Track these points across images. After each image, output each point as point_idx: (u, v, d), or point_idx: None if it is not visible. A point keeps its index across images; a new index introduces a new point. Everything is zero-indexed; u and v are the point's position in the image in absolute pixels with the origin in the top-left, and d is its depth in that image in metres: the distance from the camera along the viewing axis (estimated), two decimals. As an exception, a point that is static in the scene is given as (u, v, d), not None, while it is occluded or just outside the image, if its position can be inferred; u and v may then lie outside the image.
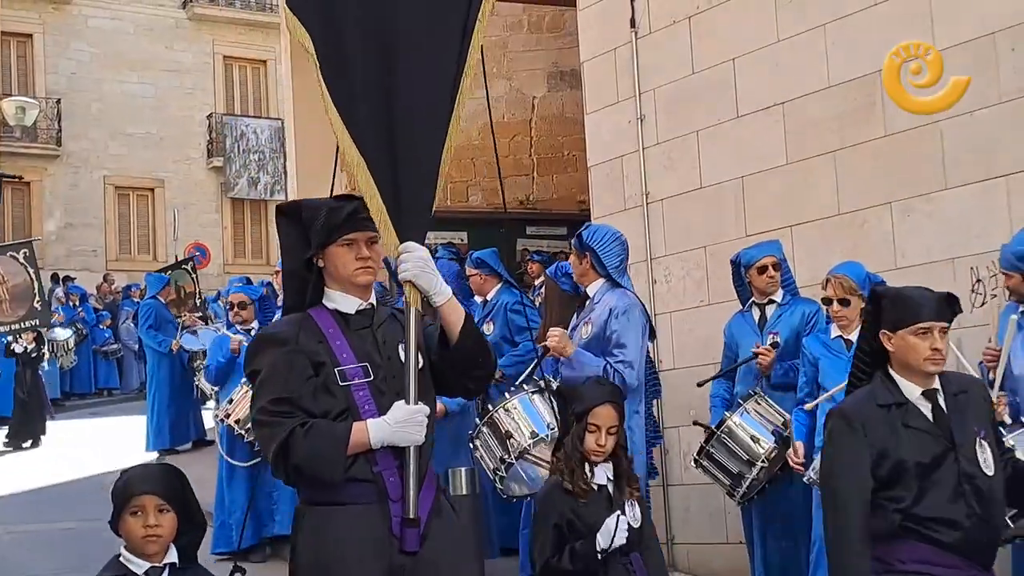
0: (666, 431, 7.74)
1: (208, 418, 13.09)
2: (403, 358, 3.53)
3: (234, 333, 9.01)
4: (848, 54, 6.84)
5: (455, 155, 12.59)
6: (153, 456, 13.11)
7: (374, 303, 3.66)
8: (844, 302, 5.70)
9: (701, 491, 7.46)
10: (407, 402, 3.47)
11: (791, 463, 5.75)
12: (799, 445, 5.71)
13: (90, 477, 12.69)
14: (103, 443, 14.83)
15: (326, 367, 3.47)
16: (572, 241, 6.29)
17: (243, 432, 8.46)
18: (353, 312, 3.61)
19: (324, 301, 3.62)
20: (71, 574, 8.47)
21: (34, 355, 15.06)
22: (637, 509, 4.43)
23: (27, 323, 14.36)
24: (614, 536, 4.27)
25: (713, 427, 6.21)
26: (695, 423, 6.48)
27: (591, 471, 4.42)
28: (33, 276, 14.45)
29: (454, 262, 9.77)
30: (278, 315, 10.41)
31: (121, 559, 3.51)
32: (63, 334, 17.90)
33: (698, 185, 7.75)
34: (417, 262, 3.51)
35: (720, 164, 7.62)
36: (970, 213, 6.19)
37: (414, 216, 3.62)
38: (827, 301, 5.79)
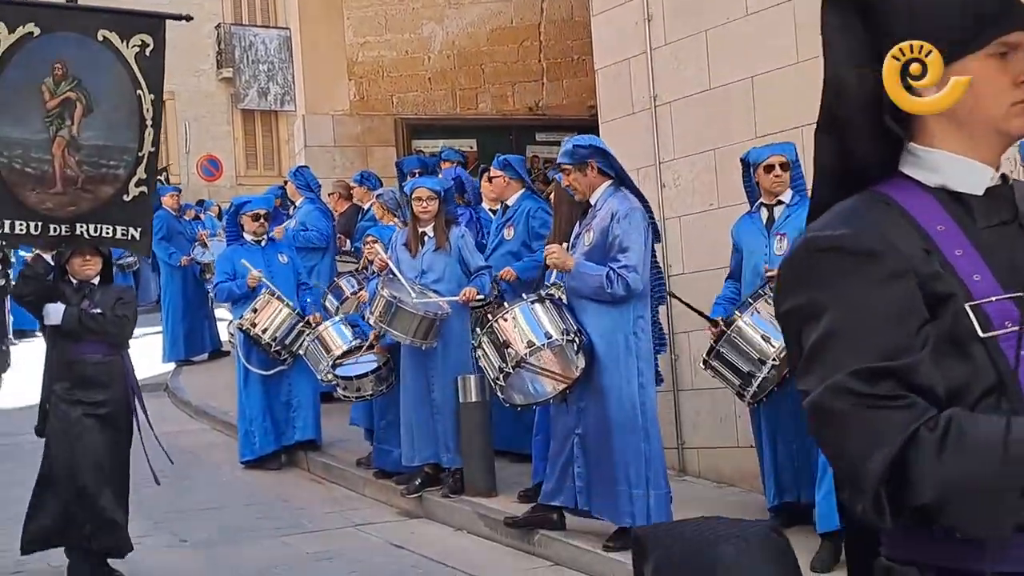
0: (676, 336, 7.73)
1: (223, 329, 13.16)
2: None
3: (240, 244, 8.98)
4: (861, -53, 6.64)
5: (464, 61, 12.46)
6: (171, 367, 13.22)
7: (1006, 174, 1.86)
8: None
9: (711, 396, 7.47)
10: None
11: None
12: None
13: (107, 389, 12.81)
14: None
15: (952, 303, 1.72)
16: (565, 161, 6.11)
17: (269, 342, 8.50)
18: (981, 193, 1.81)
19: (908, 170, 1.84)
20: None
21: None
22: None
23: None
24: None
25: (690, 305, 6.21)
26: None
27: None
28: None
29: (461, 167, 9.72)
30: (291, 223, 10.42)
31: None
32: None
33: (707, 86, 7.61)
34: None
35: (729, 64, 7.47)
36: (984, 110, 6.06)
37: None
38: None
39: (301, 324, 8.53)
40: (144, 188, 6.12)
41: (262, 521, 7.44)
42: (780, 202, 6.34)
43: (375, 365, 7.71)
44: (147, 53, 6.02)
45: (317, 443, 9.00)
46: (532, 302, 6.02)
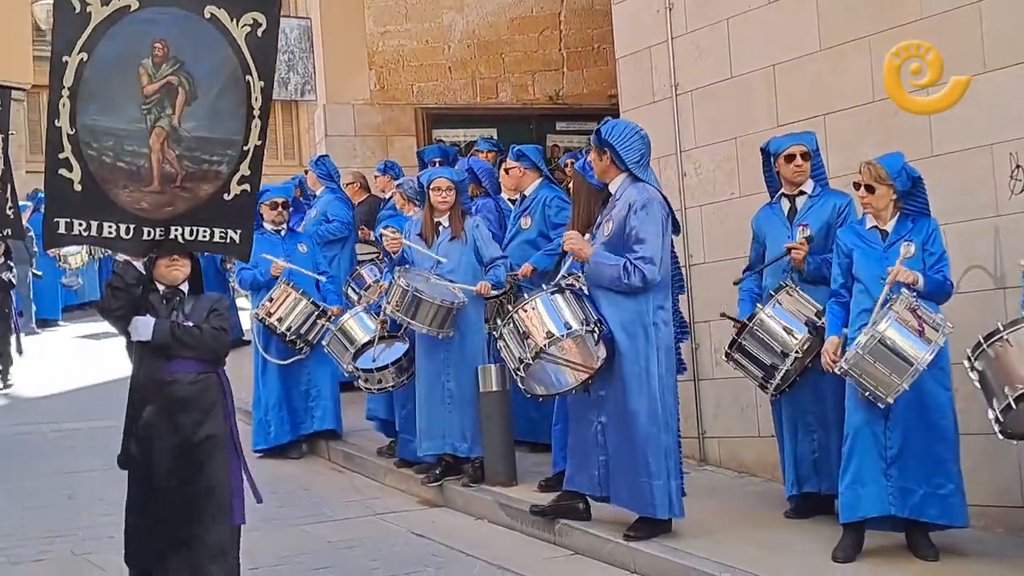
0: (697, 326, 7.71)
1: (245, 319, 13.19)
2: None
3: (261, 233, 9.00)
4: (884, -66, 6.60)
5: (484, 51, 12.45)
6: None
7: None
8: (869, 188, 5.61)
9: (732, 385, 7.44)
10: None
11: (826, 361, 5.67)
12: (835, 339, 5.64)
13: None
14: (142, 345, 14.99)
15: None
16: (591, 138, 6.20)
17: (285, 331, 8.51)
18: None
19: None
20: (115, 470, 8.63)
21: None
22: None
23: None
24: None
25: (742, 320, 6.17)
26: (722, 315, 6.44)
27: None
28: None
29: (488, 160, 9.69)
30: (311, 213, 10.43)
31: None
32: (73, 250, 16.29)
33: (728, 75, 7.58)
34: None
35: (751, 53, 7.44)
36: (1009, 96, 6.00)
37: None
38: (857, 186, 5.70)
39: (317, 313, 8.54)
40: (247, 186, 5.29)
41: (283, 510, 7.46)
42: (802, 192, 6.30)
43: (396, 356, 7.69)
44: (259, 34, 5.24)
45: (337, 433, 9.02)
46: (552, 293, 6.00)
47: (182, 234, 5.19)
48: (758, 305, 6.13)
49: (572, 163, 8.94)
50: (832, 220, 6.15)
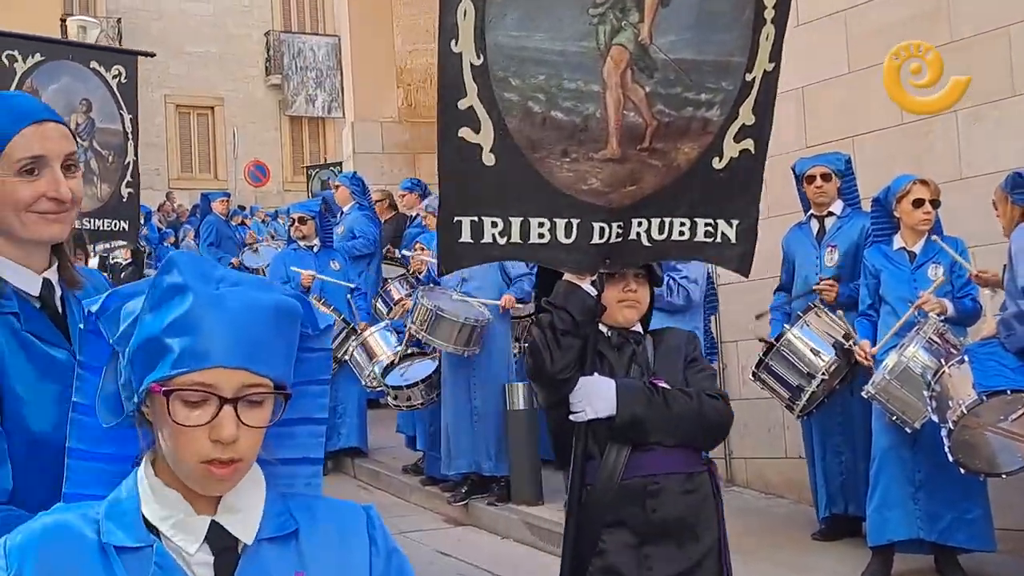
0: (724, 346, 7.70)
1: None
2: None
3: (294, 249, 9.07)
4: (914, -43, 6.61)
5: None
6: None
7: None
8: (935, 203, 5.58)
9: (759, 406, 7.42)
10: None
11: (859, 358, 5.65)
12: (865, 343, 5.64)
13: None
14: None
15: None
16: None
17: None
18: None
19: None
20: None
21: None
22: None
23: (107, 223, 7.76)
24: None
25: (773, 340, 6.16)
26: (759, 339, 6.43)
27: None
28: (128, 126, 7.56)
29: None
30: (339, 229, 10.51)
31: None
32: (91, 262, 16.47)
33: (757, 96, 7.58)
34: None
35: (780, 74, 7.43)
36: (1039, 120, 6.01)
37: None
38: (918, 203, 5.59)
39: (347, 331, 8.56)
40: (749, 144, 3.27)
41: (309, 526, 7.49)
42: (831, 213, 6.30)
43: (426, 374, 7.71)
44: None
45: (363, 450, 9.04)
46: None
47: (648, 231, 3.14)
48: (786, 325, 6.12)
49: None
50: (861, 241, 6.13)
